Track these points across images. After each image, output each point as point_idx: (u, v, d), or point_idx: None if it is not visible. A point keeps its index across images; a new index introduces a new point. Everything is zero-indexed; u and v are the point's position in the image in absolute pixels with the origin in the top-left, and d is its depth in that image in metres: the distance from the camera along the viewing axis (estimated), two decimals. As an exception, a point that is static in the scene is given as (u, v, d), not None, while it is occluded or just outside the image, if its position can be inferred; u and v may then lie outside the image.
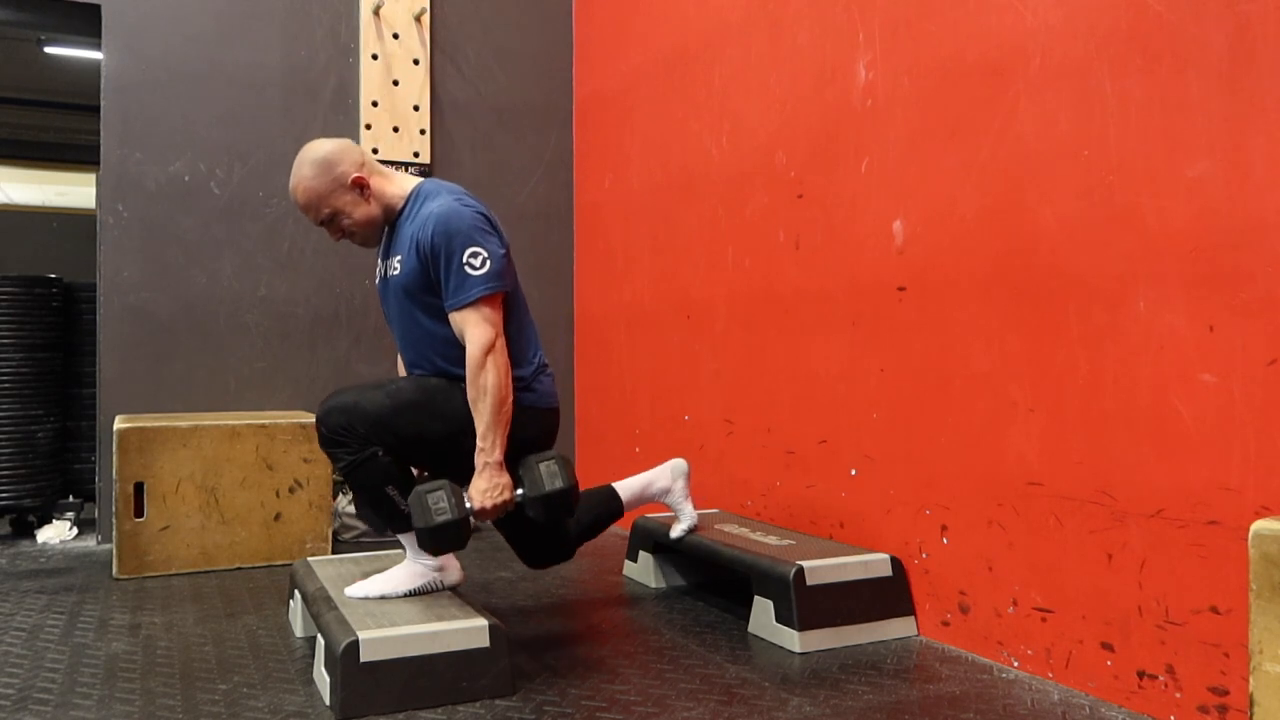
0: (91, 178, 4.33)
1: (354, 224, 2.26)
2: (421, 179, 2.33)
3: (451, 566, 2.28)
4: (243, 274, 3.82)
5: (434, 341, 2.23)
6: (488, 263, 2.13)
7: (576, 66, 4.38)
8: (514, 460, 2.17)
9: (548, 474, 2.12)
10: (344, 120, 3.97)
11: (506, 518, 2.25)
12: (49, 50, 6.83)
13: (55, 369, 3.83)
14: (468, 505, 2.07)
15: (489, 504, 2.09)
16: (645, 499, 2.71)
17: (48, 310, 3.80)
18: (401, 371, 2.49)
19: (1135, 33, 1.91)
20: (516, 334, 2.26)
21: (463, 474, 2.19)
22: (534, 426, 2.26)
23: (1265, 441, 1.69)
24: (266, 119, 3.86)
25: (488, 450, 2.09)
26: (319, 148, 2.25)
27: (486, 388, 2.09)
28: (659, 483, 2.72)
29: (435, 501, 2.03)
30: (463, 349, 2.15)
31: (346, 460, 2.17)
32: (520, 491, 2.14)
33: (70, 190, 10.37)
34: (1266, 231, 1.70)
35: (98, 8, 3.66)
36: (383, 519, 2.24)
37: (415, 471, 2.29)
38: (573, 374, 4.34)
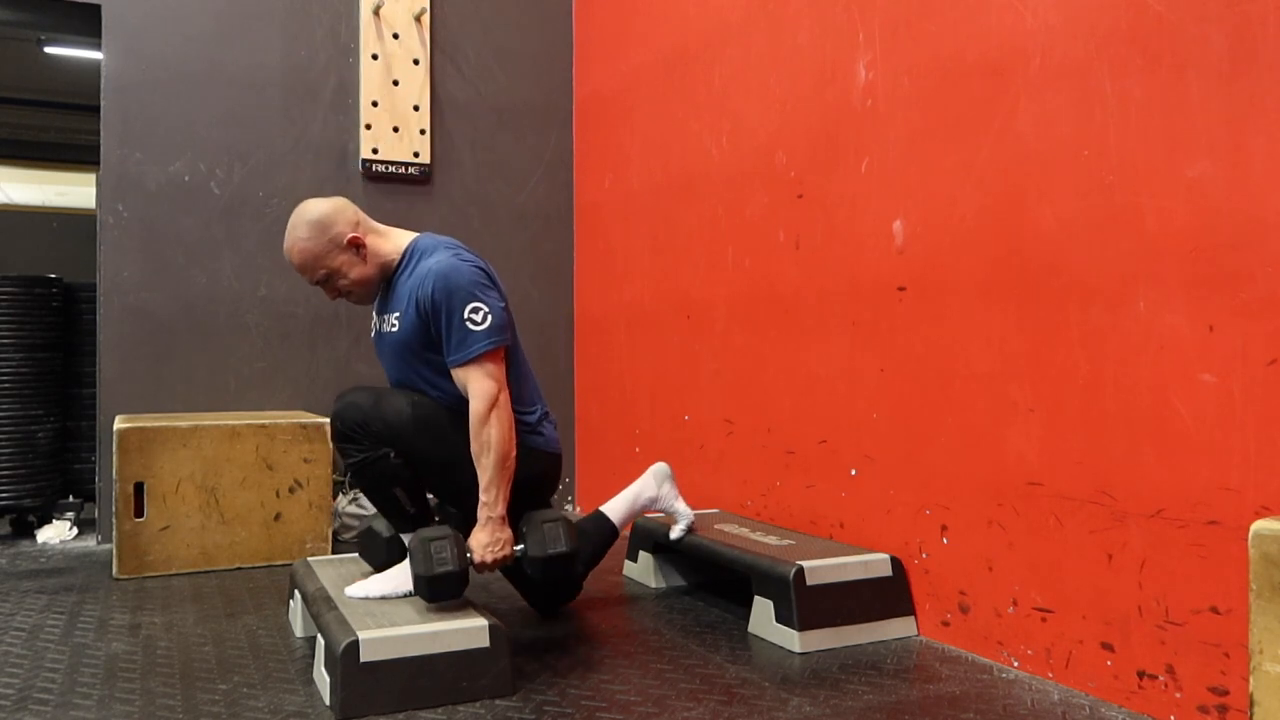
0: (91, 178, 4.33)
1: (350, 284, 2.27)
2: (417, 235, 2.34)
3: None
4: (243, 274, 3.82)
5: (438, 394, 2.24)
6: (489, 317, 2.15)
7: (576, 66, 4.38)
8: (518, 504, 2.19)
9: (550, 536, 2.16)
10: (344, 120, 3.97)
11: (512, 570, 2.28)
12: (49, 50, 6.83)
13: (55, 369, 3.83)
14: (468, 557, 2.10)
15: (489, 558, 2.12)
16: (637, 511, 2.71)
17: (48, 310, 3.80)
18: None
19: (1135, 33, 1.91)
20: (519, 384, 2.28)
21: (454, 501, 2.21)
22: (538, 466, 2.29)
23: (1265, 441, 1.69)
24: (266, 119, 3.86)
25: (490, 505, 2.12)
26: (313, 208, 2.25)
27: (490, 443, 2.11)
28: (646, 492, 2.71)
29: (438, 551, 2.05)
30: (462, 401, 2.16)
31: (357, 458, 2.18)
32: (521, 548, 2.17)
33: (70, 190, 10.37)
34: (1266, 231, 1.70)
35: (98, 8, 3.66)
36: (386, 516, 2.26)
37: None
38: (573, 374, 4.34)
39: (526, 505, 2.27)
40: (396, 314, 2.25)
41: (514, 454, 2.15)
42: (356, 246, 2.25)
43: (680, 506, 2.76)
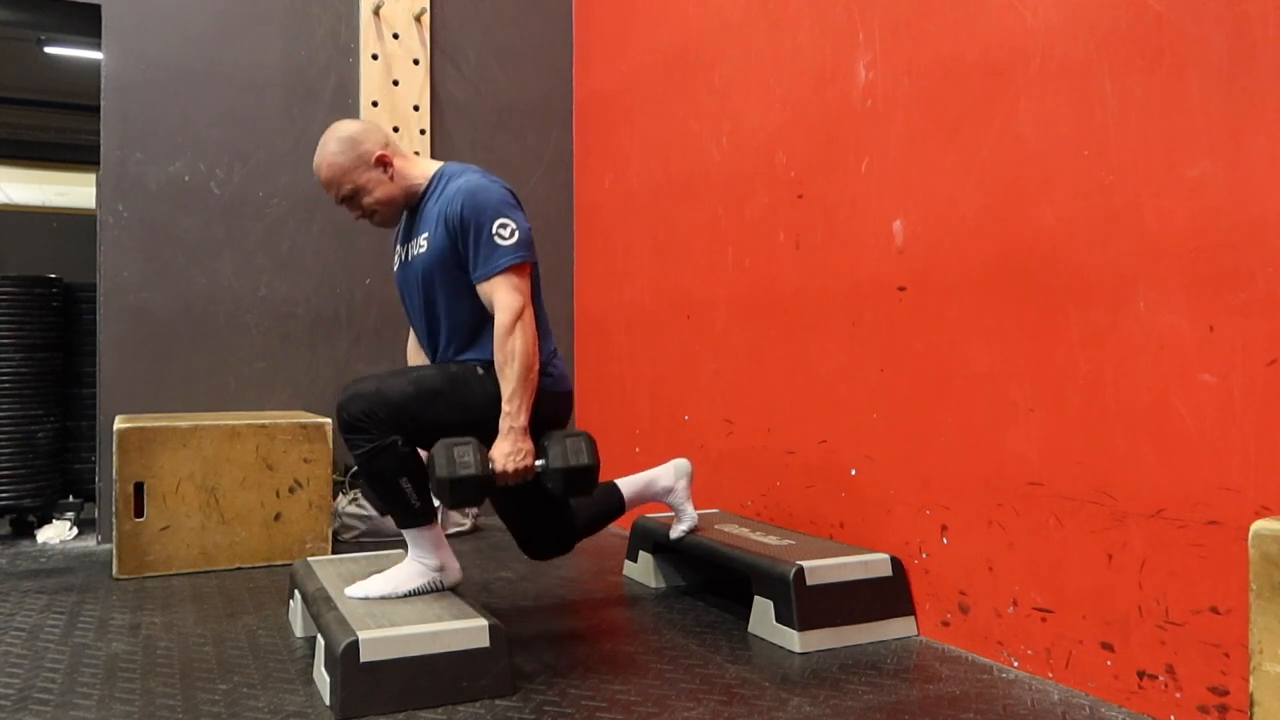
0: (91, 178, 4.34)
1: (375, 202, 2.29)
2: (444, 163, 2.37)
3: (451, 567, 2.28)
4: (243, 274, 3.82)
5: (456, 323, 2.26)
6: (516, 233, 2.19)
7: (576, 66, 4.38)
8: (533, 437, 2.20)
9: (573, 449, 2.16)
10: (344, 120, 3.97)
11: (515, 501, 2.29)
12: (49, 50, 6.83)
13: (55, 369, 3.83)
14: (490, 467, 2.09)
15: (511, 467, 2.11)
16: (647, 497, 2.71)
17: (48, 310, 3.80)
18: (412, 359, 2.52)
19: (1135, 33, 1.91)
20: (537, 315, 2.29)
21: None
22: (549, 407, 2.29)
23: (1265, 441, 1.69)
24: (266, 119, 3.86)
25: (513, 415, 2.13)
26: (345, 126, 2.30)
27: (515, 353, 2.13)
28: (662, 481, 2.73)
29: (461, 455, 2.05)
30: (485, 330, 2.21)
31: (365, 448, 2.16)
32: (542, 462, 2.17)
33: (70, 190, 10.37)
34: (1266, 231, 1.70)
35: (98, 8, 3.66)
36: (391, 511, 2.25)
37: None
38: (573, 374, 4.34)
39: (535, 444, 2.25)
40: (425, 235, 2.27)
41: (537, 367, 2.17)
42: (384, 165, 2.28)
43: (689, 508, 2.77)
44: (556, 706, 1.96)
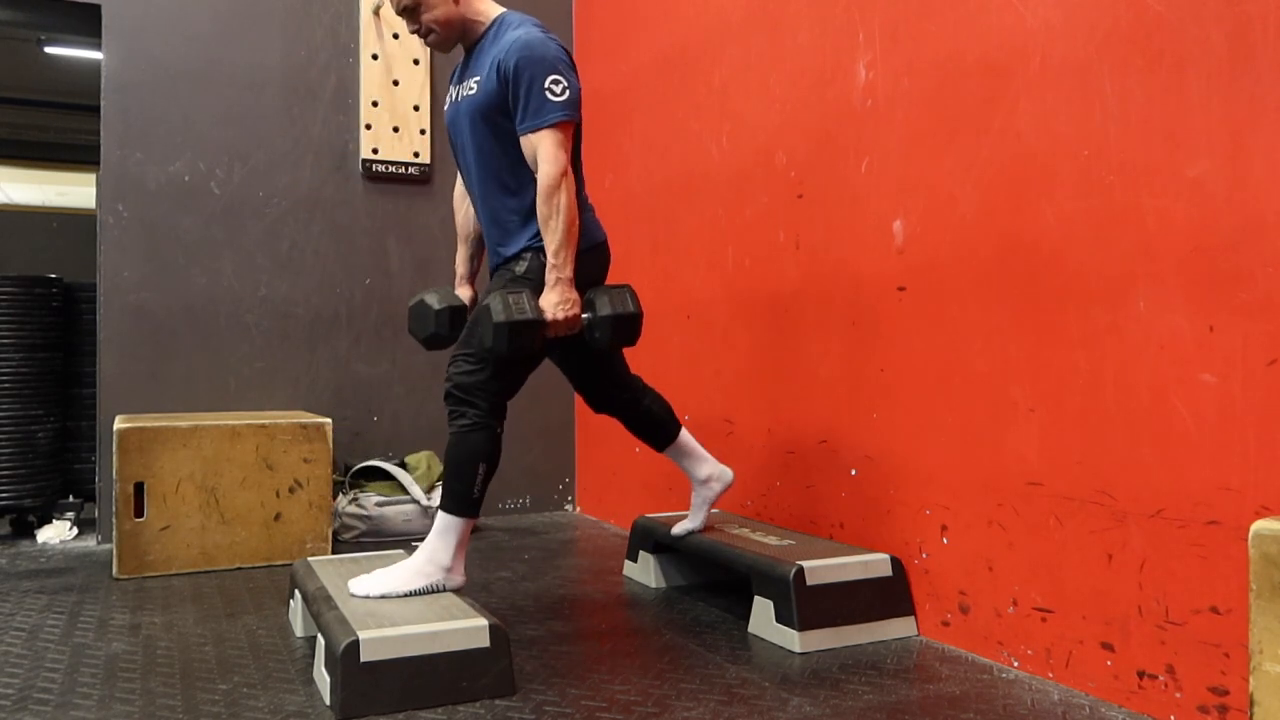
0: (91, 178, 4.34)
1: (435, 20, 2.32)
2: (506, 10, 2.40)
3: (458, 571, 2.28)
4: (243, 274, 3.82)
5: (494, 170, 2.32)
6: (568, 91, 2.24)
7: (576, 66, 4.38)
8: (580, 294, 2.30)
9: (618, 298, 2.26)
10: (344, 120, 3.97)
11: (573, 351, 2.45)
12: (49, 50, 6.83)
13: (55, 369, 3.83)
14: (542, 315, 2.18)
15: (560, 315, 2.20)
16: (691, 461, 2.73)
17: (48, 310, 3.80)
18: (458, 204, 2.63)
19: (1135, 33, 1.91)
20: (576, 174, 2.34)
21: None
22: (590, 264, 2.37)
23: (1265, 441, 1.70)
24: (266, 119, 3.86)
25: (560, 266, 2.21)
26: None
27: (560, 206, 2.20)
28: (708, 467, 2.74)
29: (516, 302, 2.14)
30: (527, 176, 2.27)
31: (466, 424, 2.23)
32: (589, 315, 2.26)
33: (70, 190, 10.37)
34: (1266, 231, 1.70)
35: (98, 8, 3.66)
36: (452, 491, 2.25)
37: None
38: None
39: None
40: (477, 78, 2.31)
41: (579, 222, 2.24)
42: None
43: (705, 512, 2.78)
44: (556, 706, 1.96)
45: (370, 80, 3.99)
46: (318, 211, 3.93)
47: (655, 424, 2.67)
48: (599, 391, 2.62)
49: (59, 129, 8.90)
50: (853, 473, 2.66)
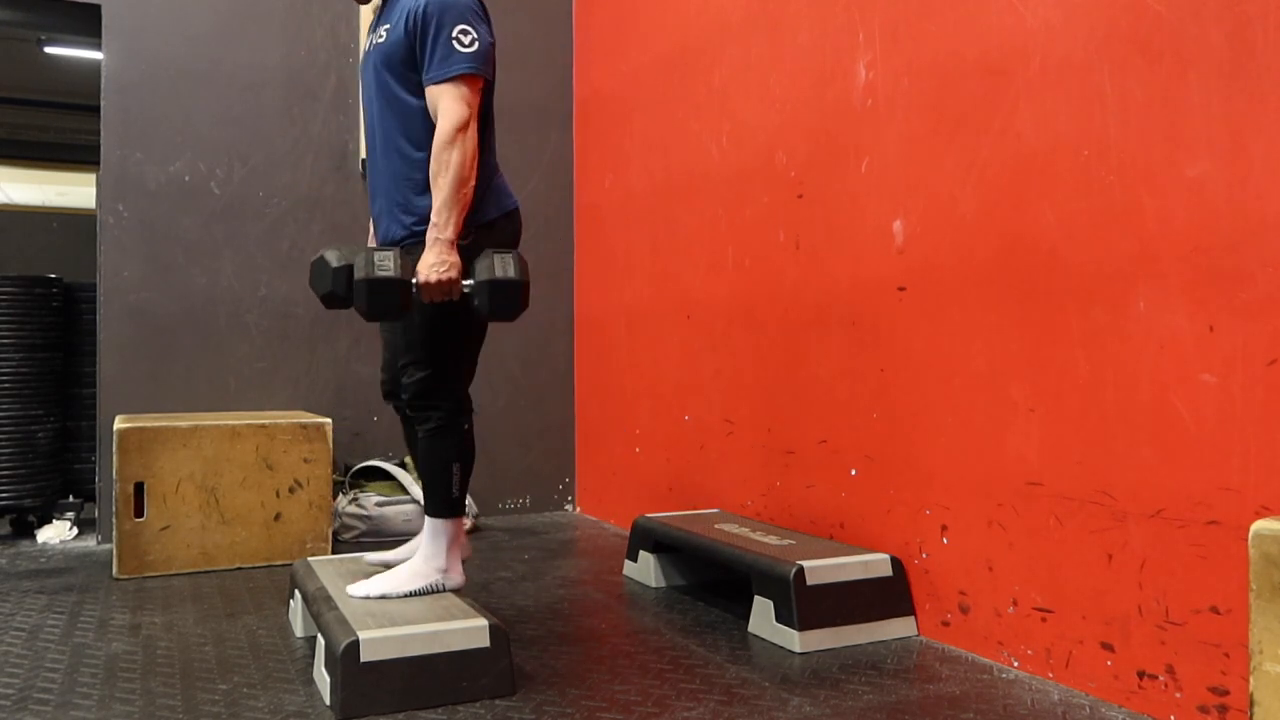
0: (91, 178, 4.34)
1: None
2: None
3: (455, 571, 2.28)
4: (243, 274, 3.82)
5: (403, 120, 2.19)
6: (477, 43, 2.12)
7: (576, 66, 4.38)
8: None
9: (500, 263, 2.08)
10: (344, 120, 3.97)
11: (415, 324, 2.19)
12: (49, 50, 6.82)
13: (55, 369, 3.83)
14: (414, 282, 2.06)
15: (434, 278, 2.05)
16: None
17: (48, 310, 3.80)
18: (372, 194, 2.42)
19: (1135, 33, 1.91)
20: (486, 137, 2.22)
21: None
22: (501, 233, 2.24)
23: (1265, 441, 1.70)
24: (266, 119, 3.86)
25: (440, 226, 2.07)
26: None
27: (450, 163, 2.07)
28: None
29: (381, 259, 2.02)
30: (430, 130, 2.14)
31: (432, 427, 2.19)
32: (470, 282, 2.10)
33: (70, 190, 10.36)
34: (1266, 231, 1.70)
35: (98, 8, 3.66)
36: (430, 493, 2.24)
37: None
38: (573, 374, 4.34)
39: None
40: (387, 25, 2.21)
41: (473, 183, 2.10)
42: None
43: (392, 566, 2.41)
44: (556, 706, 1.96)
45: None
46: (318, 211, 3.93)
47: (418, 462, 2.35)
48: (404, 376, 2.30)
49: (59, 129, 8.89)
50: (853, 473, 2.66)
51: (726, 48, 3.23)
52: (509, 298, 2.08)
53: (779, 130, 2.96)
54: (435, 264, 2.06)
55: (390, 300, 2.03)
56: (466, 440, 2.23)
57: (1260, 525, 1.32)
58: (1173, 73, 1.84)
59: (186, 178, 3.75)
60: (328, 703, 1.95)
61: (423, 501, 2.95)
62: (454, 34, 2.09)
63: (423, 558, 2.25)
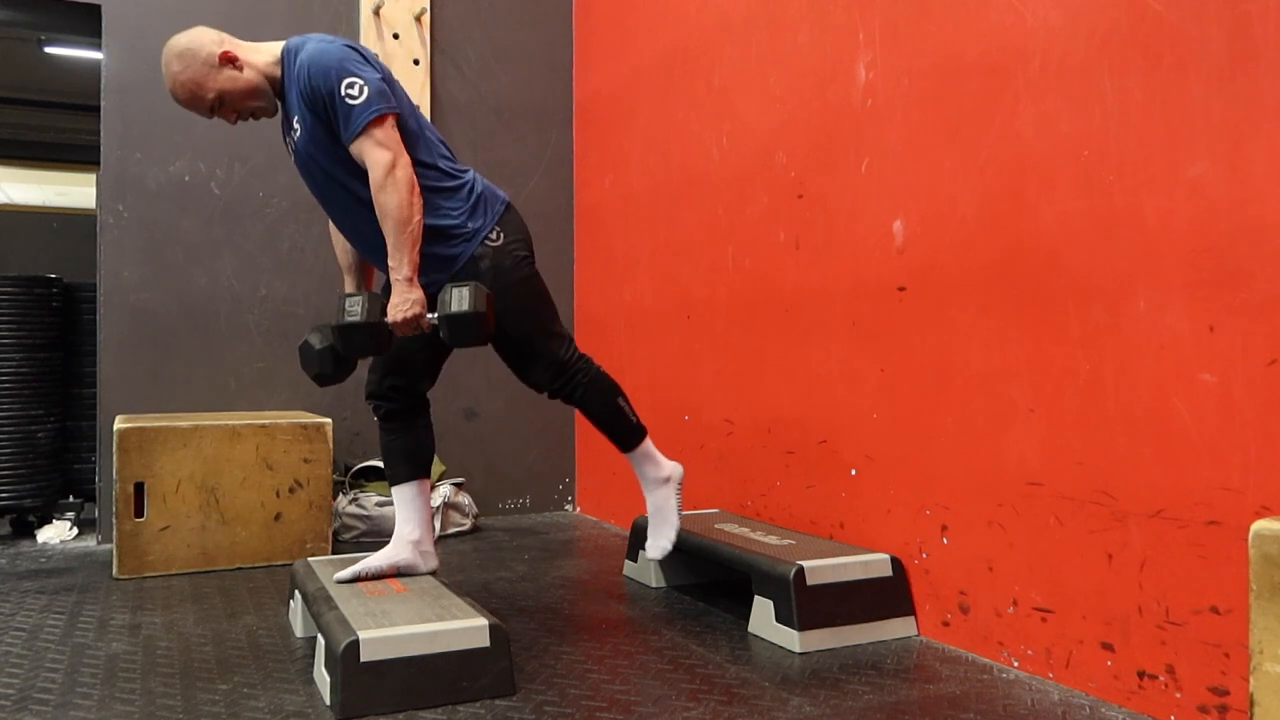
0: (91, 178, 4.34)
1: (243, 97, 2.25)
2: (285, 40, 2.31)
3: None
4: (243, 274, 3.82)
5: (359, 188, 2.22)
6: (365, 88, 2.15)
7: (576, 66, 4.38)
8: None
9: (456, 297, 2.17)
10: (344, 120, 3.97)
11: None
12: (49, 50, 6.83)
13: (55, 369, 3.83)
14: (384, 322, 2.18)
15: (399, 317, 2.16)
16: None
17: (48, 310, 3.80)
18: (339, 249, 2.53)
19: (1135, 33, 1.91)
20: (423, 152, 2.27)
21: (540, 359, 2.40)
22: (516, 225, 2.40)
23: (1265, 441, 1.69)
24: (266, 119, 3.85)
25: (395, 268, 2.17)
26: (176, 42, 2.25)
27: (387, 209, 2.14)
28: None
29: (350, 305, 2.16)
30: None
31: (582, 384, 2.44)
32: (433, 315, 2.21)
33: (70, 190, 10.37)
34: (1266, 231, 1.70)
35: (98, 8, 3.66)
36: (618, 432, 2.52)
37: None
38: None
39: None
40: (296, 118, 2.24)
41: (417, 217, 2.16)
42: (230, 61, 2.23)
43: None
44: (556, 706, 1.96)
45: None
46: (318, 212, 3.91)
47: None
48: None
49: (59, 129, 8.89)
50: (853, 473, 2.66)
51: (726, 47, 3.23)
52: (468, 328, 2.18)
53: (779, 130, 2.96)
54: (399, 304, 2.17)
55: (361, 341, 2.18)
56: (607, 376, 2.50)
57: (1260, 525, 1.32)
58: (1173, 73, 1.84)
59: (186, 178, 3.75)
60: (328, 703, 1.95)
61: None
62: (343, 94, 2.14)
63: (655, 479, 2.55)
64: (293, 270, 3.89)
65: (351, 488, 3.76)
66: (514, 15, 4.28)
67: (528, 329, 2.36)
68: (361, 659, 1.89)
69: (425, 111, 4.07)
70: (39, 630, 2.50)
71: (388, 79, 2.23)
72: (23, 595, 2.86)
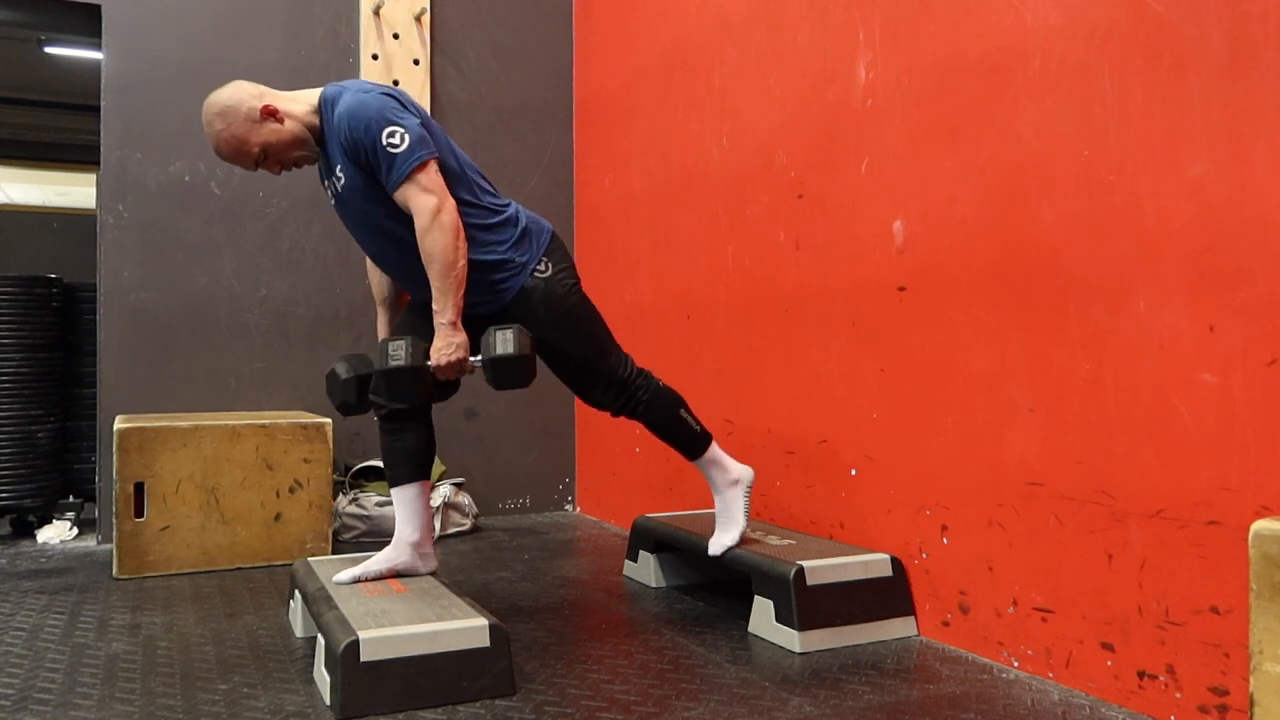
0: (91, 178, 4.34)
1: (286, 148, 2.29)
2: (322, 88, 2.34)
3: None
4: (243, 274, 3.82)
5: (405, 232, 2.25)
6: (405, 137, 2.18)
7: (576, 66, 4.38)
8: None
9: (500, 340, 2.21)
10: (344, 120, 3.96)
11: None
12: (49, 50, 6.83)
13: (55, 369, 3.83)
14: (427, 365, 2.20)
15: (443, 361, 2.20)
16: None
17: (48, 310, 3.80)
18: (375, 282, 2.57)
19: (1135, 33, 1.91)
20: (469, 193, 2.31)
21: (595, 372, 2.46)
22: (562, 253, 2.50)
23: (1265, 441, 1.70)
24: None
25: (439, 312, 2.20)
26: (217, 98, 2.32)
27: (433, 254, 2.17)
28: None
29: (394, 350, 2.18)
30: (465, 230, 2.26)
31: (644, 400, 2.48)
32: (477, 357, 2.24)
33: (70, 190, 10.37)
34: (1266, 231, 1.70)
35: (98, 8, 3.66)
36: (683, 444, 2.54)
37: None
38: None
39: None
40: (338, 166, 2.27)
41: (461, 262, 2.19)
42: (271, 115, 2.28)
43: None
44: (556, 706, 1.96)
45: (370, 80, 3.99)
46: (318, 212, 3.93)
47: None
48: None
49: (59, 129, 8.89)
50: (853, 473, 2.66)
51: (726, 47, 3.23)
52: (514, 370, 2.22)
53: (779, 130, 2.96)
54: (443, 348, 2.20)
55: (406, 385, 2.19)
56: (669, 390, 2.54)
57: (1260, 525, 1.32)
58: (1173, 73, 1.84)
59: (186, 178, 3.75)
60: (328, 703, 1.95)
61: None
62: (385, 143, 2.17)
63: (724, 483, 2.57)
64: (293, 270, 3.89)
65: (351, 488, 3.76)
66: (514, 15, 4.28)
67: (587, 352, 2.43)
68: (361, 659, 1.89)
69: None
70: (39, 630, 2.50)
71: (426, 122, 2.27)
72: (23, 595, 2.86)
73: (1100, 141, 1.98)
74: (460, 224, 2.20)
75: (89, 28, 3.74)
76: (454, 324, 2.20)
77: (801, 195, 2.86)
